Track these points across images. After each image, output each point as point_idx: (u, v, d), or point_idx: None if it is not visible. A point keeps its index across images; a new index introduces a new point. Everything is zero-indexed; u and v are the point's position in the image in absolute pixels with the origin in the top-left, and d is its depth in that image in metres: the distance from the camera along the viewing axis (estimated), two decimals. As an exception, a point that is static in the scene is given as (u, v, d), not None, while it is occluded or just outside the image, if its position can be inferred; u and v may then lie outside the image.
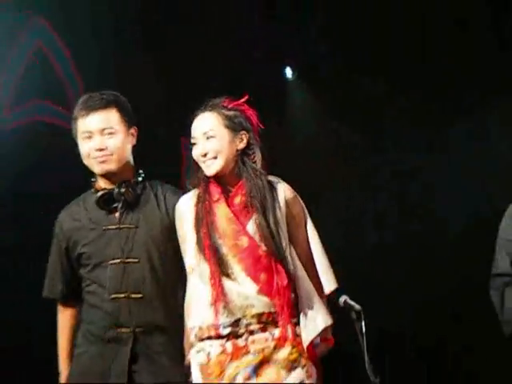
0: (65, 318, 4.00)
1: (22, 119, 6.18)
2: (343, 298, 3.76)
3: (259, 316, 3.56)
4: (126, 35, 6.22)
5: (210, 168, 3.60)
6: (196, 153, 3.62)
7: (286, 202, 3.65)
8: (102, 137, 3.78)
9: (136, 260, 3.80)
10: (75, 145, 4.02)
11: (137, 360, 3.79)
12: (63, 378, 3.94)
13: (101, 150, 3.78)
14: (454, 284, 6.24)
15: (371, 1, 6.48)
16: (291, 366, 3.58)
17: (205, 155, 3.58)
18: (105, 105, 3.80)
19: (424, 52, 6.52)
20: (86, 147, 3.79)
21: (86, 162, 3.87)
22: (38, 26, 6.16)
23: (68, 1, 5.95)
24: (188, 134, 3.68)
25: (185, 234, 3.67)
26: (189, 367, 3.74)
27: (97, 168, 3.83)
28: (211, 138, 3.59)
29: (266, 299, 3.56)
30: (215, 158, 3.57)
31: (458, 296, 6.15)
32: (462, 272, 5.81)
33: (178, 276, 3.82)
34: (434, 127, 6.50)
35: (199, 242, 3.61)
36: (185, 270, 3.73)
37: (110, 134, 3.79)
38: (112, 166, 3.81)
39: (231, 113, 3.67)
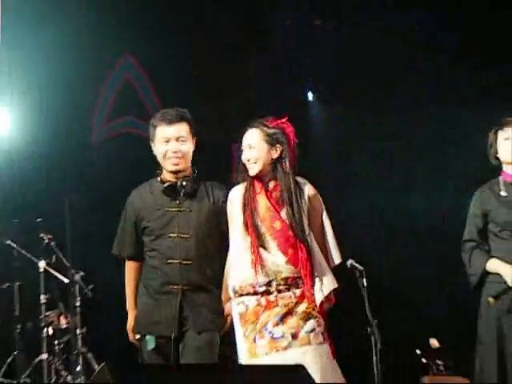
0: (131, 271, 4.49)
1: (115, 130, 7.04)
2: (350, 262, 4.24)
3: (286, 279, 4.10)
4: (193, 66, 6.80)
5: (252, 170, 4.18)
6: (243, 158, 4.19)
7: (309, 198, 4.20)
8: (177, 143, 4.28)
9: (188, 236, 4.27)
10: (150, 147, 4.45)
11: (184, 310, 4.25)
12: (131, 315, 4.44)
13: (175, 152, 4.27)
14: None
15: (378, 38, 6.73)
16: (307, 317, 4.11)
17: (248, 160, 4.16)
18: (180, 119, 4.30)
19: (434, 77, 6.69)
20: (163, 149, 4.29)
21: (160, 159, 4.34)
22: (127, 62, 7.00)
23: (148, 44, 6.63)
24: (237, 142, 4.26)
25: (233, 214, 4.22)
26: (226, 316, 4.27)
27: (170, 166, 4.31)
28: (253, 148, 4.17)
29: (291, 267, 4.11)
30: (255, 163, 4.14)
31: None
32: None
33: (219, 248, 4.30)
34: (441, 139, 6.68)
35: (244, 221, 4.14)
36: (225, 243, 4.23)
37: (182, 141, 4.28)
38: (181, 166, 4.30)
39: (271, 130, 4.18)
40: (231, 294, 4.17)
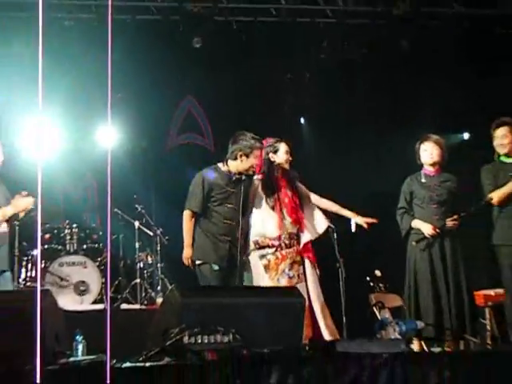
0: (191, 222, 5.40)
1: (181, 141, 8.78)
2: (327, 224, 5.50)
3: (290, 234, 5.36)
4: (235, 103, 8.26)
5: (288, 165, 5.40)
6: (285, 158, 5.44)
7: (299, 186, 5.58)
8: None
9: (238, 207, 5.38)
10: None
11: (231, 250, 5.27)
12: (187, 249, 5.35)
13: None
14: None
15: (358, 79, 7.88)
16: (300, 264, 5.38)
17: (290, 160, 5.45)
18: None
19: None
20: (253, 162, 5.42)
21: (246, 166, 5.41)
22: (189, 99, 8.82)
23: (203, 87, 8.15)
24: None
25: (258, 192, 5.45)
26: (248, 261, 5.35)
27: (251, 172, 5.37)
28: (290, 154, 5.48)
29: (294, 226, 5.39)
30: (291, 162, 5.44)
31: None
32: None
33: (250, 213, 5.47)
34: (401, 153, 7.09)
35: (269, 197, 5.38)
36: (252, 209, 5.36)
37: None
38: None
39: None
40: (252, 246, 5.30)
